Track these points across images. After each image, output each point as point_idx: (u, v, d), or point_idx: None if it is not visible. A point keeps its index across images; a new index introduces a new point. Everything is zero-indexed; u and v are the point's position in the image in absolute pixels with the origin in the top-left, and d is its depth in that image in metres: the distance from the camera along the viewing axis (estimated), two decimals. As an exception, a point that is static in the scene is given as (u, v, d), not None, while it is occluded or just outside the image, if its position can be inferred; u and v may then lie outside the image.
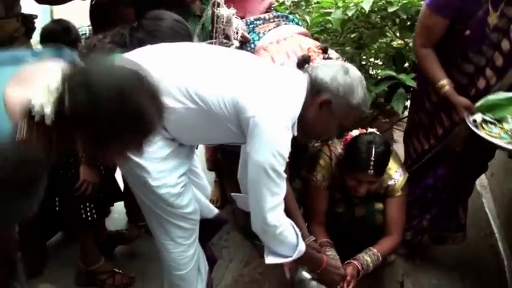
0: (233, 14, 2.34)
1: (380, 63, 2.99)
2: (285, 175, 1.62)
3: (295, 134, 1.64)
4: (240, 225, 2.76)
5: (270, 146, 1.54)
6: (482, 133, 1.99)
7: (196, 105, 1.59)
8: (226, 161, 2.65)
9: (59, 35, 2.42)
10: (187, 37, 1.94)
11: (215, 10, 2.34)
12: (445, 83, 2.11)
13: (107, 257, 2.40)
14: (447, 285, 2.50)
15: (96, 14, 2.49)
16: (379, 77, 2.53)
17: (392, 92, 2.48)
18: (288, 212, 2.02)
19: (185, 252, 1.83)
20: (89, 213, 2.16)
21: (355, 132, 2.25)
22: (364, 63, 2.91)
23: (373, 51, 2.97)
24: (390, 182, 2.25)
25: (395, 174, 2.26)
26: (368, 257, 2.12)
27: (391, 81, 2.41)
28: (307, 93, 1.65)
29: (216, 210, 2.07)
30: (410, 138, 2.52)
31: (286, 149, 1.56)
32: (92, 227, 2.25)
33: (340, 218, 2.39)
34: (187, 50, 1.76)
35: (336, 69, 1.67)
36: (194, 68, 1.65)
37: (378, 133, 2.24)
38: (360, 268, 2.07)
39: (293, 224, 1.78)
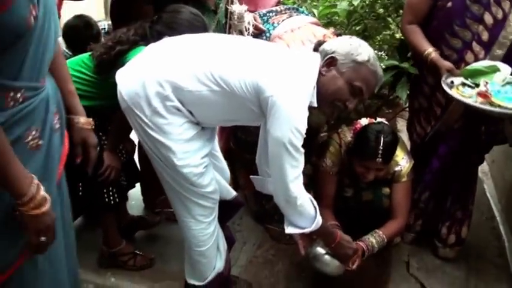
0: (245, 11, 2.45)
1: (384, 54, 3.10)
2: (302, 150, 1.72)
3: (315, 104, 1.75)
4: (252, 210, 2.88)
5: (288, 123, 1.65)
6: (451, 91, 2.09)
7: (220, 87, 1.71)
8: (238, 149, 2.76)
9: (81, 30, 2.53)
10: (203, 29, 2.07)
11: (228, 7, 2.46)
12: (430, 51, 2.24)
13: (128, 240, 2.50)
14: (451, 264, 2.61)
15: (117, 10, 2.60)
16: (384, 67, 2.64)
17: (396, 82, 2.59)
18: None
19: (205, 230, 1.94)
20: (111, 197, 2.25)
21: (364, 121, 2.37)
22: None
23: (377, 43, 3.08)
24: (397, 168, 2.37)
25: (402, 161, 2.38)
26: (373, 239, 2.24)
27: (394, 70, 2.52)
28: (320, 69, 1.77)
29: (234, 193, 2.18)
30: (413, 125, 2.63)
31: (303, 125, 1.67)
32: (114, 210, 2.35)
33: (348, 202, 2.51)
34: (208, 39, 1.88)
35: (340, 38, 1.83)
36: (217, 54, 1.77)
37: (386, 122, 2.35)
38: (365, 249, 2.19)
39: (311, 197, 1.88)
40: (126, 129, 2.15)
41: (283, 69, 1.72)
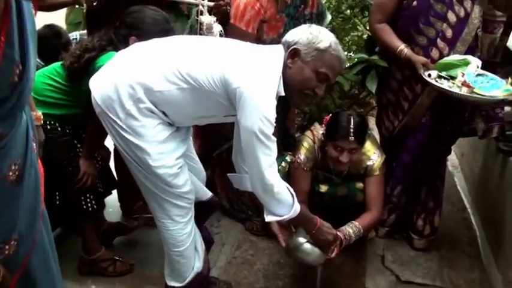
0: (214, 21, 2.49)
1: (353, 55, 3.18)
2: (274, 138, 1.77)
3: (283, 93, 1.80)
4: (226, 208, 2.93)
5: (257, 111, 1.70)
6: (431, 80, 2.21)
7: (189, 84, 1.76)
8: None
9: (50, 39, 2.54)
10: (166, 22, 2.14)
11: (197, 18, 2.49)
12: (403, 47, 2.33)
13: (107, 247, 2.50)
14: (424, 255, 2.70)
15: (92, 18, 2.61)
16: (354, 61, 2.70)
17: (365, 79, 2.66)
18: None
19: (182, 230, 1.98)
20: (89, 204, 2.26)
21: None
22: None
23: (345, 44, 3.16)
24: (369, 163, 2.45)
25: (373, 156, 2.46)
26: (350, 229, 2.29)
27: (363, 64, 2.59)
28: (284, 59, 1.81)
29: (210, 193, 2.22)
30: (382, 119, 2.72)
31: (271, 114, 1.71)
32: (92, 217, 2.35)
33: (323, 198, 2.56)
34: (176, 40, 1.95)
35: (301, 28, 1.86)
36: (183, 53, 1.83)
37: None
38: (342, 238, 2.23)
39: (287, 185, 1.92)
40: (100, 135, 2.17)
41: (248, 62, 1.78)
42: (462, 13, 2.24)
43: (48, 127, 2.15)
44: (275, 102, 1.74)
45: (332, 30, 2.99)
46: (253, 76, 1.73)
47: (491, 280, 2.51)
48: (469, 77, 2.17)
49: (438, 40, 2.31)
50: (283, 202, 1.89)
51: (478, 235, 2.90)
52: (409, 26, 2.36)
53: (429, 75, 2.24)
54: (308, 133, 2.53)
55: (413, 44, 2.37)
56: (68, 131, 2.25)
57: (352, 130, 2.26)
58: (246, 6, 2.27)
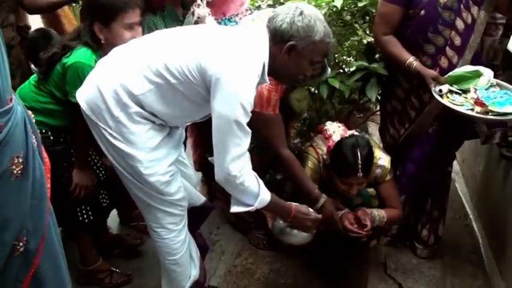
0: (208, 13, 2.44)
1: (353, 60, 3.14)
2: (248, 129, 1.69)
3: (268, 81, 1.77)
4: (231, 221, 2.88)
5: (234, 99, 1.62)
6: (444, 100, 2.14)
7: (164, 80, 1.70)
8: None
9: (40, 41, 2.51)
10: None
11: (194, 8, 2.44)
12: (412, 60, 2.28)
13: (106, 257, 2.47)
14: (427, 263, 2.66)
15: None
16: (353, 69, 2.67)
17: (366, 86, 2.63)
18: (296, 177, 2.19)
19: (176, 238, 1.96)
20: (85, 216, 2.22)
21: (331, 128, 2.37)
22: (338, 60, 3.06)
23: (345, 49, 3.12)
24: (378, 171, 2.33)
25: (380, 161, 2.33)
26: (376, 211, 2.25)
27: (363, 72, 2.55)
28: (270, 45, 1.73)
29: (203, 198, 2.18)
30: (386, 127, 2.67)
31: (249, 103, 1.65)
32: (88, 229, 2.30)
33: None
34: (155, 36, 1.88)
35: (291, 14, 1.72)
36: (160, 47, 1.77)
37: (357, 133, 2.32)
38: (369, 213, 2.21)
39: (256, 175, 1.82)
40: (86, 140, 2.11)
41: (227, 48, 1.69)
42: (469, 20, 2.19)
43: (40, 135, 2.10)
44: (255, 92, 1.68)
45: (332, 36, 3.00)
46: (232, 62, 1.64)
47: (494, 288, 2.48)
48: (481, 93, 2.11)
49: (447, 48, 2.26)
50: (248, 193, 1.80)
51: (481, 242, 2.86)
52: (417, 35, 2.31)
53: (440, 90, 2.18)
54: (311, 151, 2.39)
55: (421, 53, 2.32)
56: (62, 139, 2.19)
57: (360, 166, 2.14)
58: (270, 92, 2.22)
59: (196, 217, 2.10)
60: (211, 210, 2.32)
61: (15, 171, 1.26)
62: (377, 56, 2.58)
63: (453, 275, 2.58)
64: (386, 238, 2.73)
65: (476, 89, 2.13)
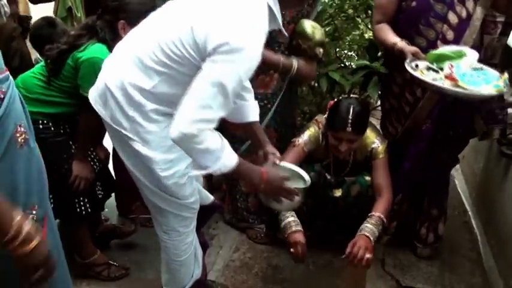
0: None
1: (354, 54, 3.14)
2: (231, 104, 1.55)
3: (281, 25, 1.63)
4: (226, 218, 2.88)
5: (234, 71, 1.48)
6: (414, 72, 2.09)
7: (167, 68, 1.59)
8: None
9: (44, 28, 2.48)
10: (153, 0, 2.04)
11: None
12: (397, 41, 2.26)
13: (103, 249, 2.45)
14: (425, 260, 2.66)
15: (90, 7, 2.57)
16: (355, 67, 2.67)
17: (367, 82, 2.63)
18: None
19: (185, 239, 1.92)
20: (83, 208, 2.21)
21: None
22: (339, 55, 3.05)
23: (347, 43, 3.11)
24: (373, 145, 2.42)
25: (376, 139, 2.44)
26: (370, 224, 2.24)
27: (365, 70, 2.55)
28: None
29: (211, 197, 2.12)
30: (385, 125, 2.67)
31: (246, 76, 1.54)
32: (86, 221, 2.30)
33: (337, 204, 2.54)
34: (149, 21, 1.72)
35: None
36: (152, 29, 1.66)
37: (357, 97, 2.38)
38: (369, 236, 2.18)
39: (221, 135, 1.57)
40: (92, 134, 2.10)
41: (222, 13, 1.51)
42: (464, 14, 2.17)
43: (41, 126, 2.09)
44: (256, 62, 1.51)
45: (334, 30, 2.99)
46: (241, 29, 1.47)
47: (492, 285, 2.48)
48: (458, 70, 2.03)
49: (438, 42, 2.24)
50: (207, 153, 1.52)
51: (479, 239, 2.86)
52: (409, 27, 2.30)
53: (416, 65, 2.13)
54: (313, 121, 2.50)
55: (414, 46, 2.30)
56: (62, 130, 2.19)
57: (350, 121, 2.22)
58: None
59: (202, 216, 2.03)
60: (219, 209, 2.29)
61: (19, 139, 1.26)
62: (379, 53, 2.56)
63: (451, 272, 2.58)
64: (385, 237, 2.72)
65: (452, 66, 2.06)
